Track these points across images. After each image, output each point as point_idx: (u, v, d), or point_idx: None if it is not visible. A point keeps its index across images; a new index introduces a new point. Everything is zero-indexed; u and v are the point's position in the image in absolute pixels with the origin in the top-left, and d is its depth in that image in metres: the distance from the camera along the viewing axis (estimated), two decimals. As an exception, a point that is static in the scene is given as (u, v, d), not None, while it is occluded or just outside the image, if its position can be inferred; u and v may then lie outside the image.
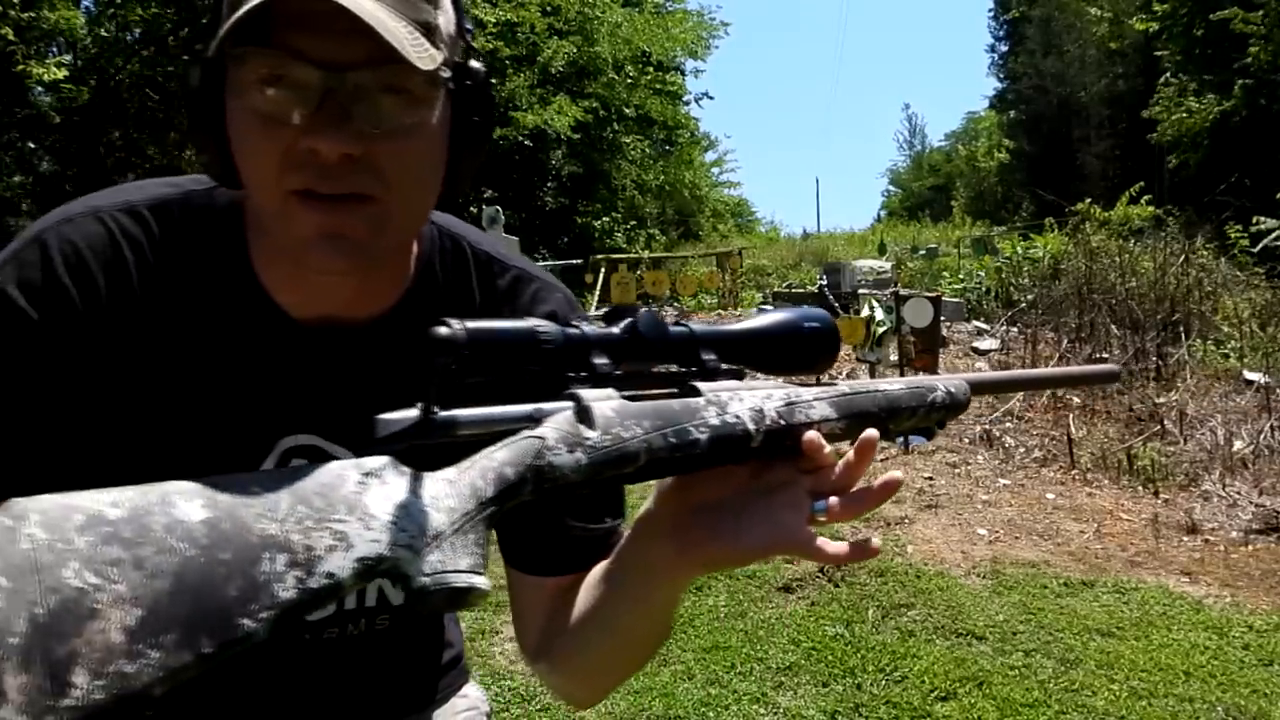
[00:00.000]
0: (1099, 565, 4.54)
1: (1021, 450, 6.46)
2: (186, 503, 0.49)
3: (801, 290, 11.87)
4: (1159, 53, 19.83)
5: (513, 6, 17.45)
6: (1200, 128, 17.26)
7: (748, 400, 0.66)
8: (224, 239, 0.78)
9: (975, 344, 8.67)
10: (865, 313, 7.21)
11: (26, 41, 11.66)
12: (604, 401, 0.61)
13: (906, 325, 6.91)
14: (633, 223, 22.41)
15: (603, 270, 14.12)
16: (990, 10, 33.95)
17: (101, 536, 0.46)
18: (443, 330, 0.54)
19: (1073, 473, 6.02)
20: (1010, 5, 30.67)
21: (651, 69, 23.16)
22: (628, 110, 22.15)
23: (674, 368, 0.67)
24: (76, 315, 0.73)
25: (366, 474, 0.54)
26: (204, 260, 0.77)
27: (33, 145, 13.80)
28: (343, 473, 0.54)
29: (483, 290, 0.87)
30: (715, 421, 0.64)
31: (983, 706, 3.16)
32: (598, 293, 13.89)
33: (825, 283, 8.83)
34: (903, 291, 7.66)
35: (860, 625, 3.83)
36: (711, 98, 40.37)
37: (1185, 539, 4.90)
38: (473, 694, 1.05)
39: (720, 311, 11.74)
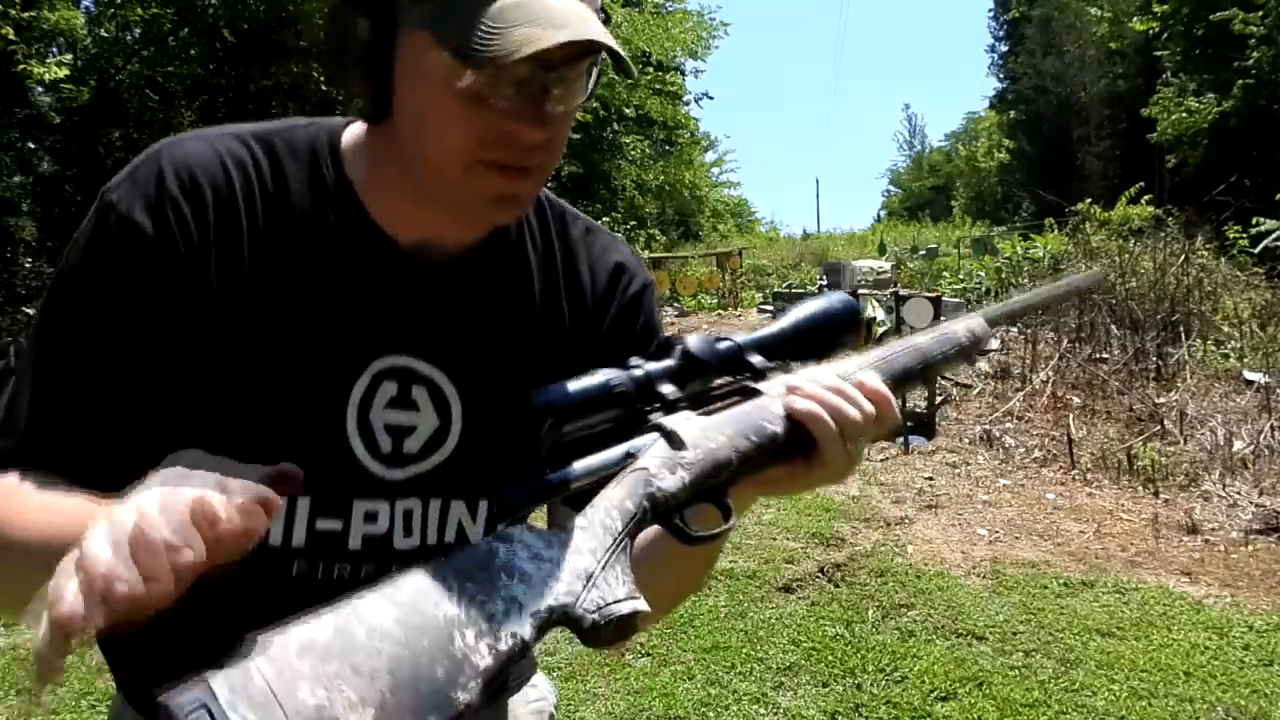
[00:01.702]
0: (1099, 565, 4.54)
1: (1021, 450, 6.47)
2: (374, 609, 0.54)
3: (801, 290, 11.88)
4: (1159, 53, 19.84)
5: (513, 6, 17.46)
6: (1200, 128, 17.27)
7: (806, 382, 0.76)
8: (325, 167, 0.82)
9: (975, 344, 8.68)
10: (866, 313, 7.21)
11: (27, 41, 11.65)
12: (686, 423, 0.70)
13: (906, 325, 6.91)
14: (633, 223, 22.40)
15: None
16: (990, 10, 34.01)
17: (319, 657, 0.51)
18: (533, 402, 0.64)
19: (1073, 473, 6.02)
20: (1010, 5, 30.69)
21: (651, 69, 23.17)
22: (628, 110, 22.16)
23: (731, 378, 0.76)
24: (190, 233, 0.76)
25: (512, 542, 0.60)
26: (306, 184, 0.81)
27: (33, 145, 13.80)
28: (492, 547, 0.59)
29: (560, 238, 0.94)
30: (781, 412, 0.74)
31: (983, 706, 3.16)
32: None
33: (825, 283, 8.83)
34: (903, 291, 7.66)
35: (860, 625, 3.83)
36: (711, 98, 40.36)
37: (1185, 539, 4.90)
38: (542, 685, 1.06)
39: (720, 311, 11.74)
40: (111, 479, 0.67)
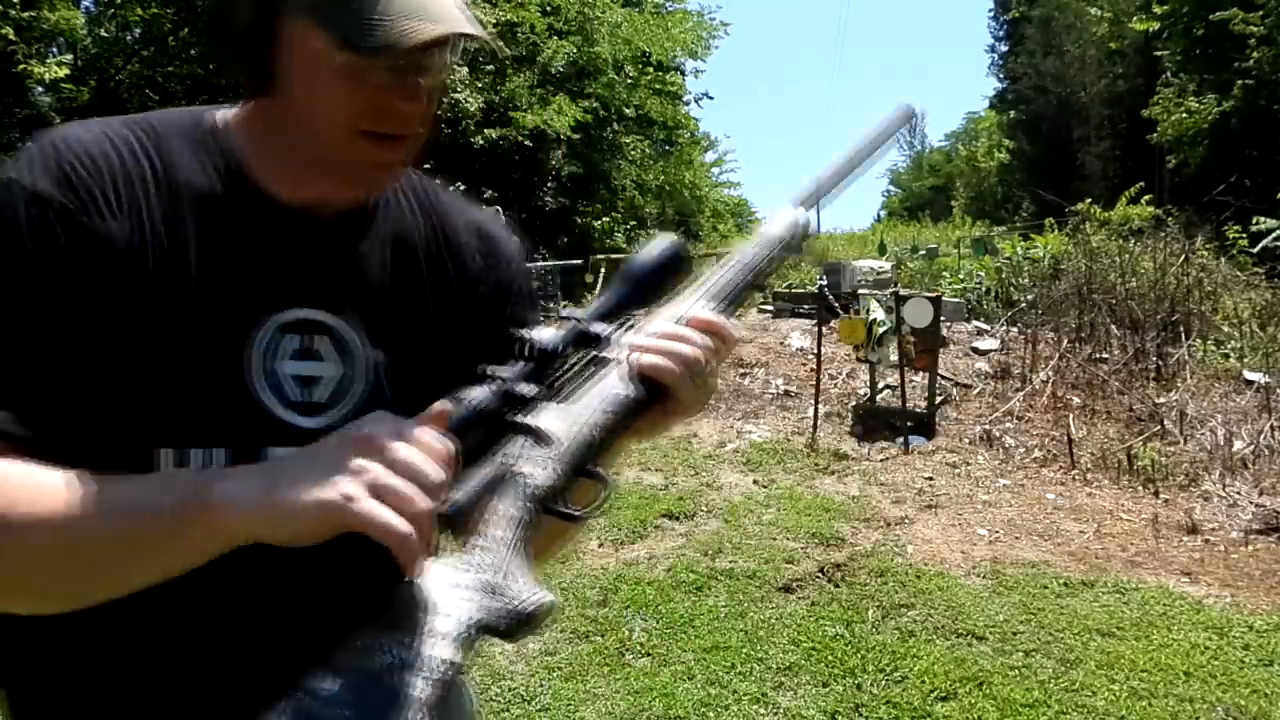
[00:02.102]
0: (1099, 565, 4.54)
1: (1021, 450, 6.46)
2: (325, 684, 0.62)
3: (801, 290, 11.86)
4: (1159, 53, 19.84)
5: (513, 6, 17.45)
6: (1200, 128, 17.27)
7: (647, 339, 0.83)
8: (206, 141, 0.87)
9: (975, 344, 8.67)
10: (866, 313, 7.20)
11: (27, 41, 11.66)
12: (549, 417, 0.76)
13: (906, 325, 6.91)
14: (633, 223, 22.38)
15: (603, 270, 14.13)
16: (990, 10, 34.03)
17: None
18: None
19: (1073, 473, 6.02)
20: (1010, 5, 30.68)
21: (651, 69, 23.14)
22: (628, 110, 22.12)
23: (581, 353, 0.82)
24: (94, 202, 0.79)
25: (422, 582, 0.67)
26: (191, 158, 0.85)
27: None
28: (405, 592, 0.67)
29: (434, 202, 0.98)
30: (630, 374, 0.81)
31: (983, 706, 3.16)
32: (598, 292, 13.88)
33: (825, 283, 8.83)
34: (903, 291, 7.65)
35: (860, 625, 3.83)
36: (711, 98, 40.31)
37: (1185, 539, 4.90)
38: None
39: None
40: (41, 444, 0.74)
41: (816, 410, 7.26)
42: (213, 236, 0.83)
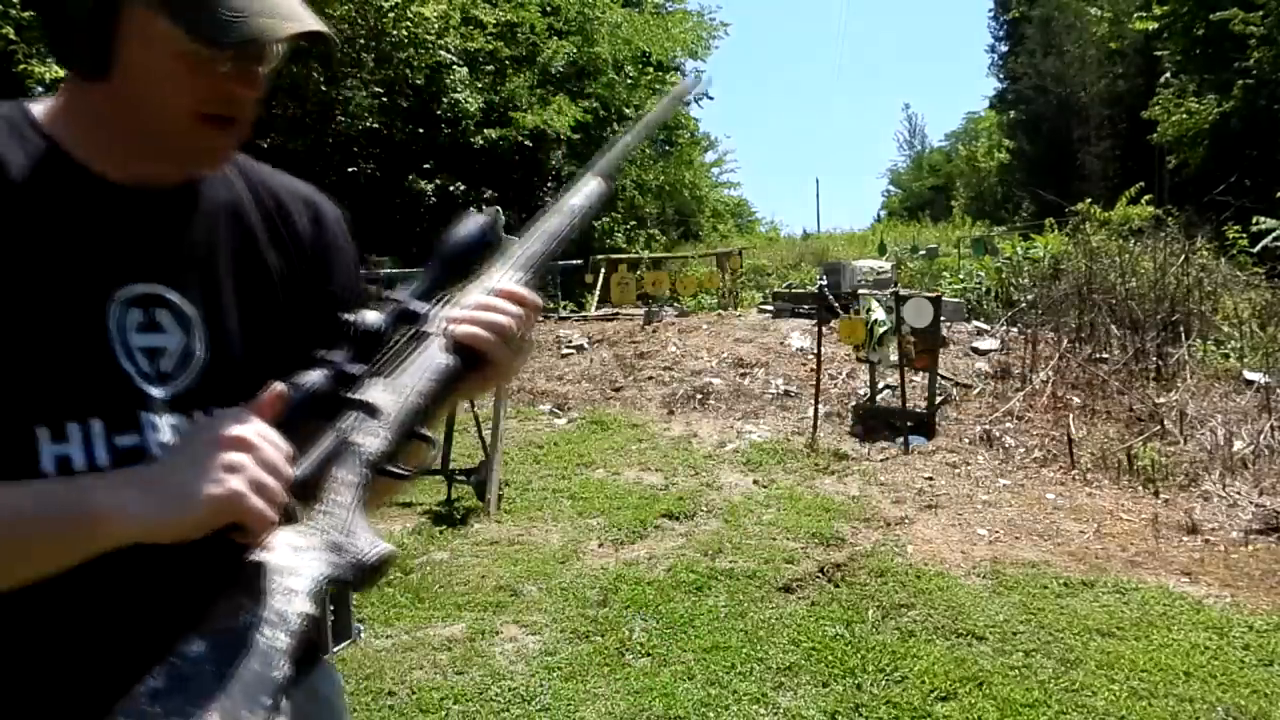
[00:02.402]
0: (1099, 565, 4.54)
1: (1021, 450, 6.46)
2: (198, 649, 0.71)
3: (801, 290, 11.85)
4: (1159, 53, 19.83)
5: (513, 6, 17.45)
6: (1200, 128, 17.26)
7: (462, 312, 0.92)
8: (24, 131, 0.89)
9: (975, 344, 8.67)
10: (866, 313, 7.20)
11: (27, 41, 11.65)
12: (377, 391, 0.85)
13: (906, 325, 6.91)
14: (633, 223, 22.36)
15: (603, 270, 14.11)
16: (990, 10, 33.91)
17: (175, 699, 0.69)
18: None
19: (1073, 473, 6.02)
20: (1010, 5, 30.64)
21: (651, 69, 23.14)
22: (628, 110, 22.13)
23: (403, 330, 0.90)
24: None
25: (274, 548, 0.76)
26: (11, 149, 0.87)
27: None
28: (257, 559, 0.75)
29: (259, 177, 1.03)
30: (448, 344, 0.90)
31: (983, 706, 3.16)
32: (598, 292, 13.88)
33: (825, 283, 8.82)
34: (903, 291, 7.65)
35: (860, 625, 3.83)
36: (711, 98, 40.28)
37: (1185, 539, 4.90)
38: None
39: (720, 311, 11.74)
40: None
41: (816, 410, 7.25)
42: (50, 220, 0.86)
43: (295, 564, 0.76)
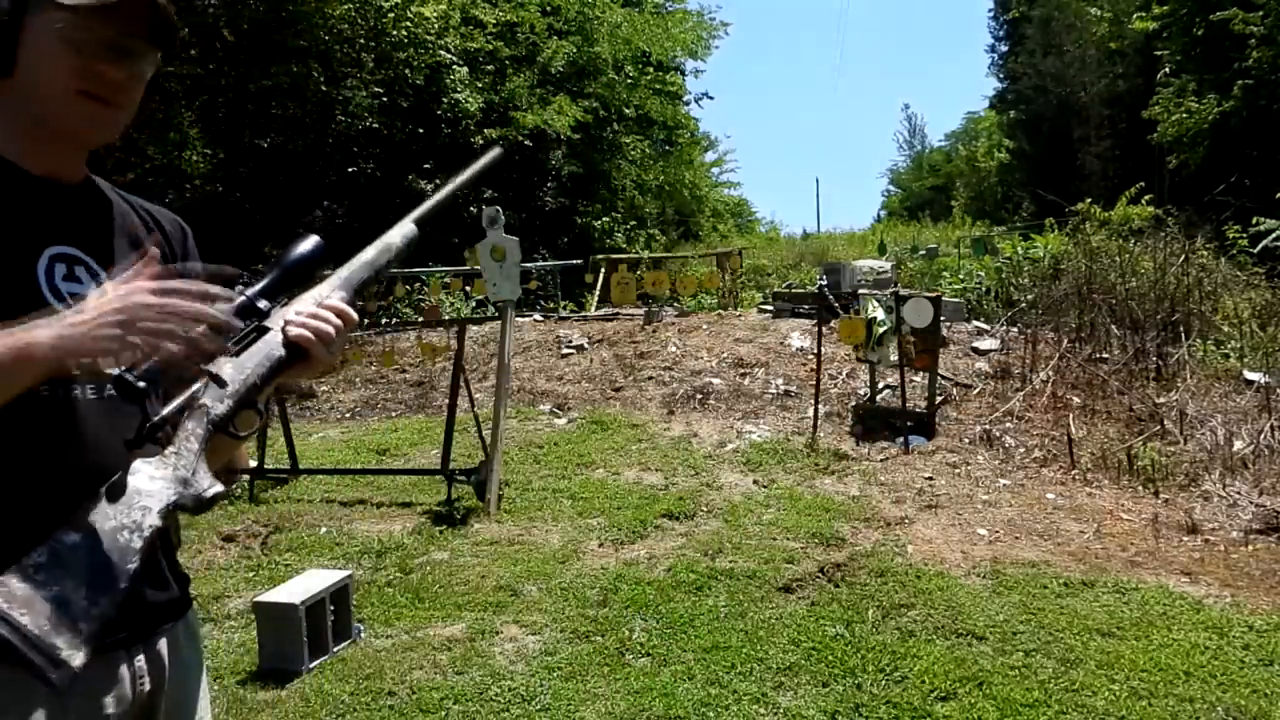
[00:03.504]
0: (1099, 565, 4.54)
1: (1021, 450, 6.46)
2: (73, 539, 0.98)
3: (801, 290, 11.85)
4: (1159, 53, 19.82)
5: (513, 6, 17.44)
6: (1200, 128, 17.25)
7: (295, 313, 1.17)
8: None
9: (975, 344, 8.67)
10: (866, 313, 7.20)
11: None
12: (226, 366, 1.10)
13: (906, 325, 6.91)
14: (633, 223, 22.35)
15: (603, 270, 14.10)
16: (990, 10, 33.88)
17: (48, 572, 0.96)
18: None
19: (1073, 473, 6.02)
20: (1010, 5, 30.60)
21: (651, 69, 23.13)
22: (628, 110, 22.11)
23: (249, 322, 1.15)
24: None
25: (136, 472, 1.04)
26: None
27: None
28: (123, 480, 1.02)
29: (125, 195, 1.34)
30: (281, 339, 1.15)
31: (983, 706, 3.16)
32: (597, 292, 13.88)
33: (825, 283, 8.82)
34: (903, 291, 7.65)
35: (860, 625, 3.83)
36: (711, 98, 40.32)
37: (1185, 539, 4.90)
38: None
39: (720, 311, 11.73)
40: None
41: (816, 410, 7.25)
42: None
43: (151, 489, 1.03)
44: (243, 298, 1.14)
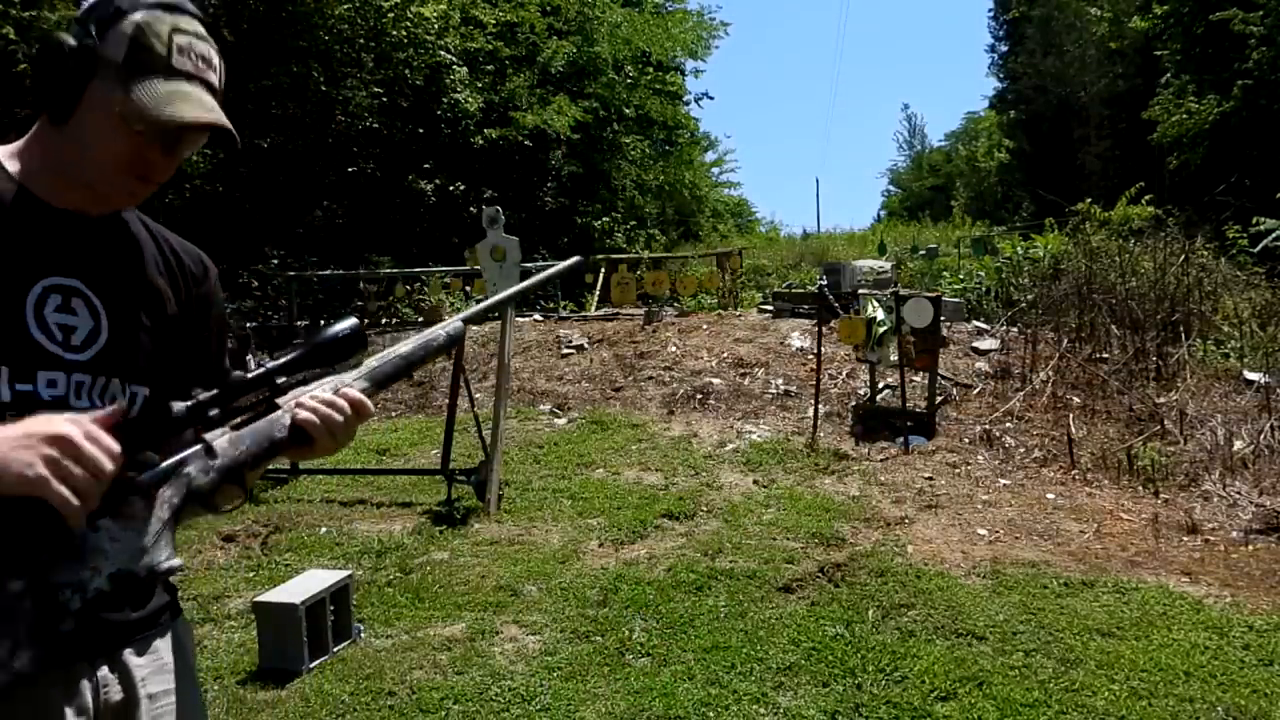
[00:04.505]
0: (1099, 565, 4.54)
1: (1021, 450, 6.46)
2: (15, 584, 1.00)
3: (801, 290, 11.84)
4: (1159, 53, 19.82)
5: (513, 6, 17.44)
6: (1200, 128, 17.24)
7: (311, 396, 1.19)
8: None
9: (975, 344, 8.67)
10: (866, 313, 7.20)
11: (27, 41, 11.64)
12: (221, 437, 1.13)
13: (906, 325, 6.91)
14: (633, 223, 22.35)
15: (603, 270, 14.10)
16: (990, 10, 33.85)
17: None
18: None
19: (1073, 473, 6.02)
20: (1010, 5, 30.58)
21: (651, 69, 23.14)
22: (628, 110, 22.13)
23: (260, 393, 1.17)
24: None
25: (99, 531, 1.03)
26: None
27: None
28: (86, 534, 1.02)
29: (155, 228, 1.36)
30: (288, 421, 1.17)
31: (983, 706, 3.16)
32: (597, 293, 13.88)
33: (825, 283, 8.82)
34: (903, 291, 7.65)
35: (860, 625, 3.83)
36: (711, 98, 40.35)
37: (1185, 539, 4.90)
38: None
39: (720, 311, 11.73)
40: None
41: (816, 410, 7.26)
42: (3, 228, 1.16)
43: (109, 550, 1.04)
44: (263, 369, 1.15)
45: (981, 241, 13.14)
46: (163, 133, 1.16)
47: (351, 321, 1.21)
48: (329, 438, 1.18)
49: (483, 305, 1.45)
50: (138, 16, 1.16)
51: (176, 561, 1.07)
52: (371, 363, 1.24)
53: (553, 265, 1.53)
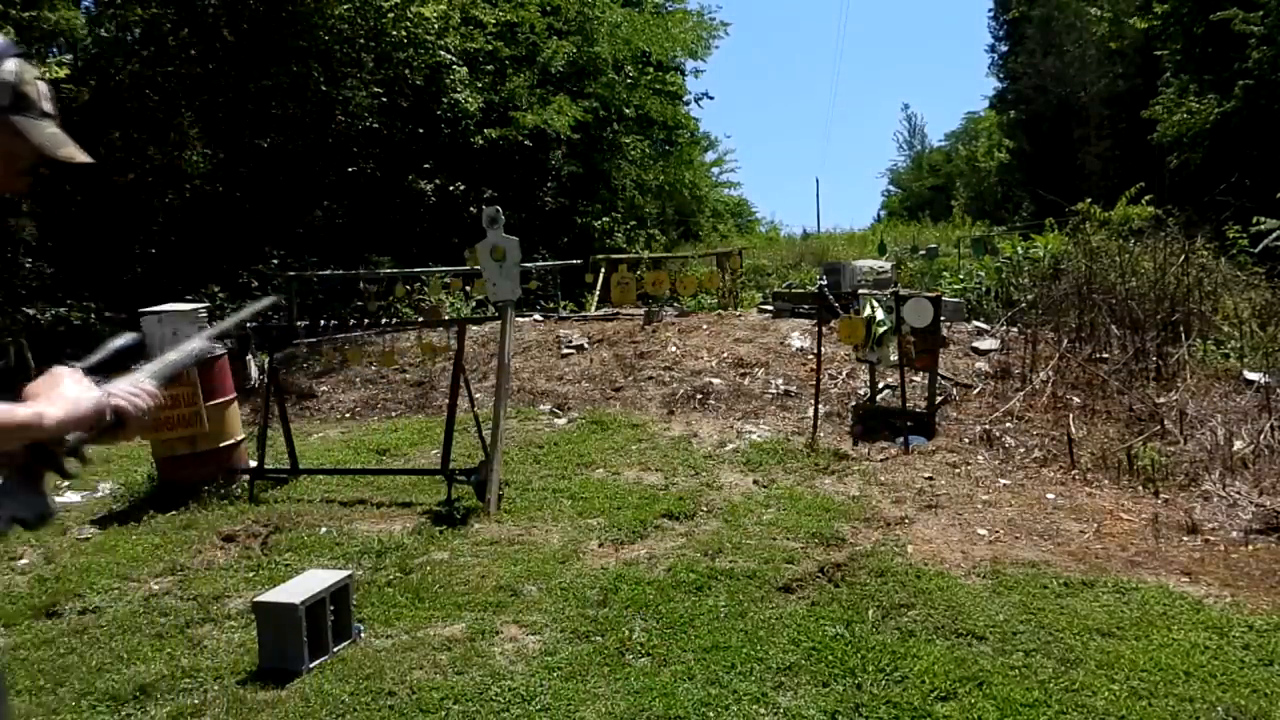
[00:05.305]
0: (1099, 565, 4.53)
1: (1021, 450, 6.46)
2: None
3: (801, 290, 11.84)
4: (1159, 53, 19.82)
5: (513, 6, 17.44)
6: (1200, 128, 17.24)
7: (119, 389, 1.48)
8: None
9: (975, 344, 8.67)
10: (866, 313, 7.20)
11: (27, 41, 11.64)
12: None
13: (906, 325, 6.91)
14: (633, 223, 22.35)
15: (603, 270, 14.09)
16: (990, 10, 33.85)
17: None
18: None
19: (1073, 473, 6.02)
20: (1010, 5, 30.58)
21: (651, 69, 23.14)
22: (628, 110, 22.12)
23: None
24: None
25: None
26: None
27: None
28: None
29: None
30: (114, 404, 1.45)
31: (983, 706, 3.16)
32: (597, 292, 13.88)
33: (825, 283, 8.81)
34: (903, 291, 7.65)
35: (860, 625, 3.83)
36: (711, 98, 40.32)
37: (1185, 539, 4.90)
38: None
39: (720, 311, 11.73)
40: None
41: (816, 410, 7.26)
42: None
43: None
44: (80, 368, 1.45)
45: (981, 241, 13.14)
46: (31, 169, 1.48)
47: (133, 335, 1.63)
48: (136, 418, 1.48)
49: (222, 325, 1.95)
50: (11, 65, 1.42)
51: (25, 512, 1.37)
52: (153, 366, 1.58)
53: None
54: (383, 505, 5.95)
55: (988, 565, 4.52)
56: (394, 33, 14.42)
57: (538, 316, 12.01)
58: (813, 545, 4.85)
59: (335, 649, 3.80)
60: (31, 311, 11.83)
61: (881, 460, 6.46)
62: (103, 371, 1.49)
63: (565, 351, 9.84)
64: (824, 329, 7.68)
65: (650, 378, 8.76)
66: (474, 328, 10.52)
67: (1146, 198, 13.20)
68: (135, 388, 1.50)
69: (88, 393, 1.38)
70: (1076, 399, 7.23)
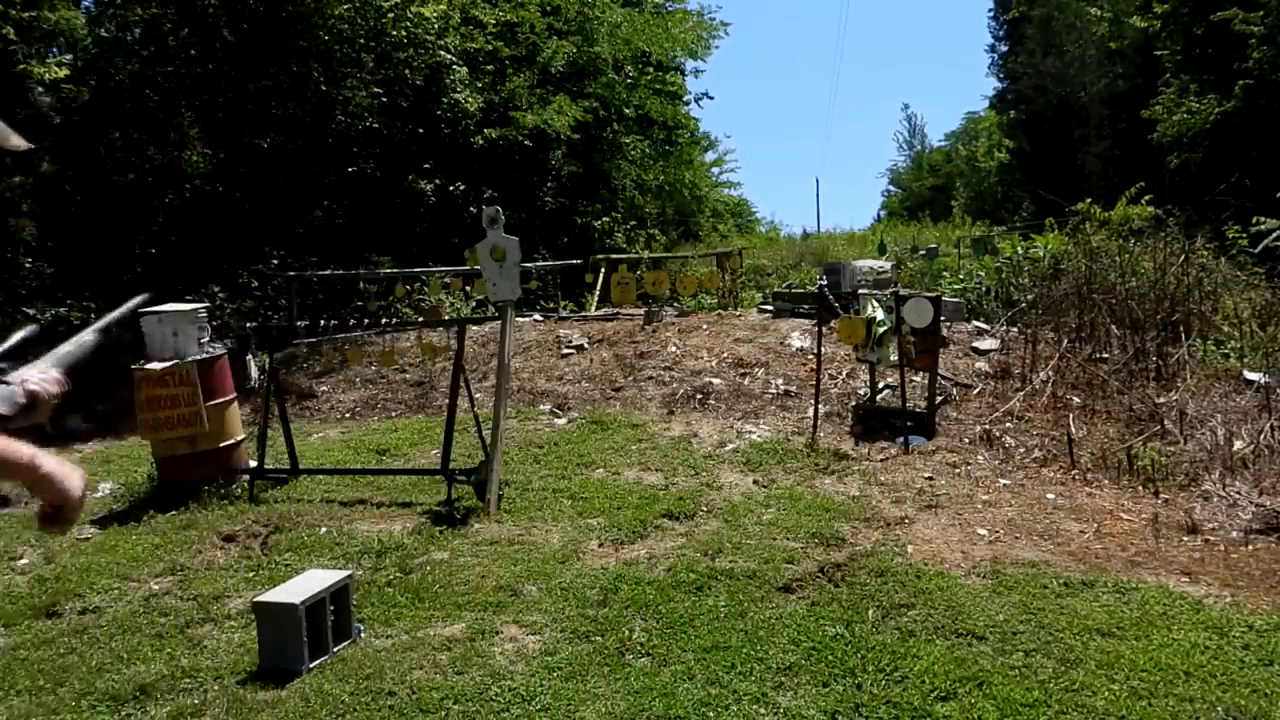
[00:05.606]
0: (1099, 565, 4.53)
1: (1021, 450, 6.46)
2: None
3: (801, 290, 11.83)
4: (1159, 53, 19.81)
5: (513, 6, 17.43)
6: (1200, 128, 17.24)
7: (29, 375, 1.63)
8: None
9: (975, 344, 8.67)
10: (866, 313, 7.20)
11: (27, 41, 11.65)
12: None
13: (906, 325, 6.91)
14: (633, 223, 22.32)
15: (603, 270, 14.09)
16: (990, 10, 33.83)
17: None
18: None
19: (1073, 473, 6.02)
20: (1010, 5, 30.57)
21: (651, 69, 23.12)
22: (628, 110, 22.11)
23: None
24: None
25: None
26: None
27: (33, 145, 13.77)
28: None
29: None
30: (22, 391, 1.60)
31: (983, 706, 3.16)
32: (598, 292, 13.88)
33: (825, 283, 8.81)
34: (903, 291, 7.65)
35: (860, 625, 3.83)
36: (711, 98, 40.29)
37: (1185, 539, 4.90)
38: None
39: (720, 311, 11.73)
40: None
41: (816, 410, 7.26)
42: None
43: None
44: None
45: (981, 241, 13.14)
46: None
47: (33, 328, 1.77)
48: (45, 402, 1.63)
49: (111, 317, 2.03)
50: None
51: None
52: (54, 353, 1.74)
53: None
54: (383, 505, 5.95)
55: (988, 565, 4.52)
56: (394, 33, 14.42)
57: (538, 316, 12.01)
58: (813, 545, 4.85)
59: (335, 649, 3.80)
60: (31, 311, 11.82)
61: (881, 460, 6.46)
62: (6, 360, 1.63)
63: (565, 351, 9.84)
64: (824, 329, 7.68)
65: (650, 378, 8.76)
66: (474, 328, 10.52)
67: (1146, 198, 13.19)
68: (44, 375, 1.66)
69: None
70: (1076, 399, 7.23)
